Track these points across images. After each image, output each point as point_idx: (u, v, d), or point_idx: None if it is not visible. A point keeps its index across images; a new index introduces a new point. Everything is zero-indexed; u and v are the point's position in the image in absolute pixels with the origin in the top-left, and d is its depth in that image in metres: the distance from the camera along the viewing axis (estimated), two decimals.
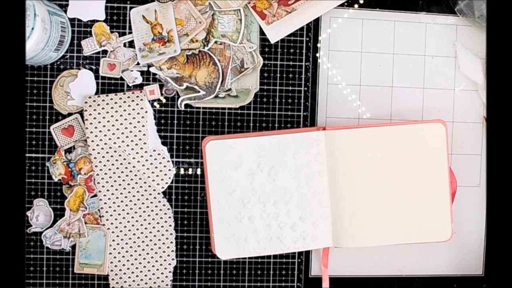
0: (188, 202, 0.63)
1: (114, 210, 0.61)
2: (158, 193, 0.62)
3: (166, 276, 0.62)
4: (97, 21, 0.60)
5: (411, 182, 0.61)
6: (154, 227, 0.62)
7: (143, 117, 0.60)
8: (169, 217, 0.62)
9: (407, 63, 0.64)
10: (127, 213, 0.61)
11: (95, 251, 0.61)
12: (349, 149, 0.60)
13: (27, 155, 0.61)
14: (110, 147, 0.60)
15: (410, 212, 0.61)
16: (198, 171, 0.62)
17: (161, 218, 0.62)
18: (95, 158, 0.60)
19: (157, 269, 0.62)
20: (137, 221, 0.61)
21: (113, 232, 0.61)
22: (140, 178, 0.61)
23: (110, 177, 0.60)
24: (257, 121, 0.63)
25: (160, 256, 0.62)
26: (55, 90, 0.60)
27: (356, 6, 0.63)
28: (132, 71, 0.61)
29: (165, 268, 0.62)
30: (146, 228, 0.62)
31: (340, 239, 0.62)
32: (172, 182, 0.62)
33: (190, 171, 0.62)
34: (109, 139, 0.59)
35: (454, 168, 0.64)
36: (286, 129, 0.63)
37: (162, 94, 0.61)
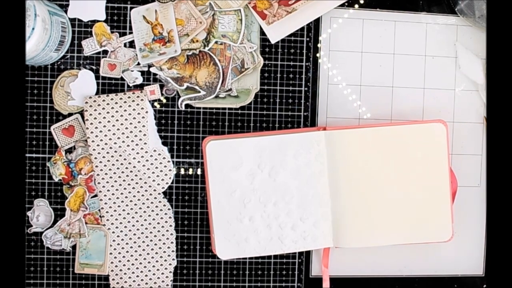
0: (189, 202, 0.63)
1: (115, 210, 0.61)
2: (159, 193, 0.62)
3: (167, 276, 0.62)
4: (98, 21, 0.60)
5: (412, 182, 0.61)
6: (154, 227, 0.62)
7: (143, 117, 0.60)
8: (170, 217, 0.62)
9: (407, 63, 0.64)
10: (128, 213, 0.61)
11: (95, 251, 0.61)
12: (350, 149, 0.60)
13: (27, 155, 0.61)
14: (111, 147, 0.60)
15: (411, 212, 0.61)
16: (199, 171, 0.62)
17: (161, 218, 0.62)
18: (95, 158, 0.60)
19: (158, 269, 0.62)
20: (137, 221, 0.62)
21: (113, 232, 0.61)
22: (140, 178, 0.61)
23: (111, 177, 0.60)
24: (258, 121, 0.63)
25: (161, 256, 0.62)
26: (56, 90, 0.60)
27: (356, 6, 0.63)
28: (132, 71, 0.61)
29: (166, 268, 0.62)
30: (146, 228, 0.62)
31: (341, 240, 0.62)
32: (172, 182, 0.62)
33: (190, 171, 0.62)
34: (110, 139, 0.60)
35: (455, 168, 0.64)
36: (287, 129, 0.63)
37: (162, 94, 0.61)
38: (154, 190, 0.61)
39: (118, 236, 0.61)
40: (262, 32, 0.62)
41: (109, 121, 0.59)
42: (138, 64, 0.60)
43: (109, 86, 0.61)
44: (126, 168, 0.60)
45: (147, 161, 0.61)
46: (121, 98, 0.60)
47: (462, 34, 0.65)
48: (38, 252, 0.62)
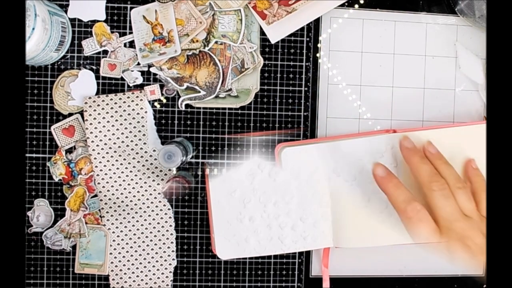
0: (189, 202, 0.63)
1: (115, 210, 0.61)
2: (159, 193, 0.62)
3: (167, 276, 0.62)
4: (98, 21, 0.60)
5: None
6: (154, 227, 0.62)
7: (143, 117, 0.60)
8: (170, 217, 0.62)
9: (407, 63, 0.64)
10: (128, 213, 0.61)
11: (95, 251, 0.61)
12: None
13: (27, 155, 0.61)
14: (110, 147, 0.60)
15: None
16: (199, 171, 0.62)
17: (161, 218, 0.62)
18: (95, 158, 0.60)
19: (158, 269, 0.62)
20: (137, 221, 0.62)
21: (113, 232, 0.61)
22: (140, 178, 0.61)
23: (110, 177, 0.60)
24: (258, 121, 0.63)
25: (161, 256, 0.62)
26: (56, 90, 0.60)
27: (356, 6, 0.63)
28: (132, 71, 0.61)
29: (166, 268, 0.62)
30: (146, 228, 0.62)
31: (341, 240, 0.62)
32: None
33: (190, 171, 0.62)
34: (109, 139, 0.60)
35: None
36: (286, 129, 0.63)
37: (162, 94, 0.61)
38: (154, 190, 0.61)
39: (118, 236, 0.61)
40: (262, 32, 0.62)
41: (108, 121, 0.59)
42: (138, 64, 0.60)
43: (109, 86, 0.61)
44: (126, 168, 0.60)
45: (146, 161, 0.61)
46: (120, 98, 0.60)
47: (462, 34, 0.65)
48: (38, 252, 0.62)
